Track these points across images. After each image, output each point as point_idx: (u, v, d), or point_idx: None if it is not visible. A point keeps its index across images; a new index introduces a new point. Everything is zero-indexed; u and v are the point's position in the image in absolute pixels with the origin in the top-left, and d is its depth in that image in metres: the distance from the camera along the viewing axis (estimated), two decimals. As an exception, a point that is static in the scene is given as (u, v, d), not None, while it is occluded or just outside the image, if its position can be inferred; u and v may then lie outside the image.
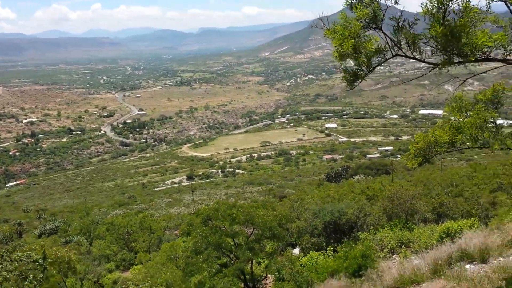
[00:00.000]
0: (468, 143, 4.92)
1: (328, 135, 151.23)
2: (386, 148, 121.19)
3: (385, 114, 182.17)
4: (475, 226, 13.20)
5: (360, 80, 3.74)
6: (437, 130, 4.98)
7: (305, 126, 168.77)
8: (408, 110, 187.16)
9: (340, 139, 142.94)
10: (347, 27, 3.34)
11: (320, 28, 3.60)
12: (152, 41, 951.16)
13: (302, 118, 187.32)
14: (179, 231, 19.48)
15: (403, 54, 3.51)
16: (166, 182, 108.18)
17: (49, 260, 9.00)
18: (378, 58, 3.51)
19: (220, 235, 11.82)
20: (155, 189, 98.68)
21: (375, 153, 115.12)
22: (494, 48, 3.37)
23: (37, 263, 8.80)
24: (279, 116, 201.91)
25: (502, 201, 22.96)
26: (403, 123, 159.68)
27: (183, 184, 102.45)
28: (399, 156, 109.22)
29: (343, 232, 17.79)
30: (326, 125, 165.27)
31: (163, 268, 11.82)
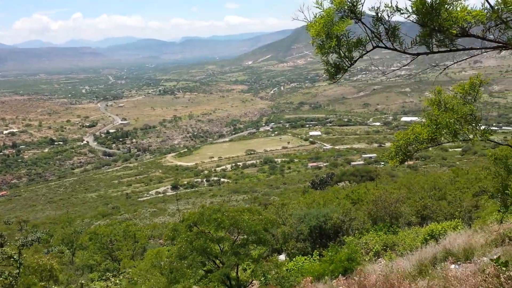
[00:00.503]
0: (448, 138, 4.97)
1: (312, 143, 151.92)
2: (370, 155, 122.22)
3: (368, 122, 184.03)
4: (459, 227, 13.34)
5: (342, 73, 3.75)
6: (416, 127, 5.03)
7: (290, 134, 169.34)
8: (391, 117, 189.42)
9: (324, 147, 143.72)
10: (324, 17, 3.36)
11: (306, 31, 3.60)
12: (134, 51, 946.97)
13: (287, 126, 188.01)
14: (163, 237, 19.26)
15: (384, 46, 3.54)
16: (150, 192, 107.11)
17: (30, 268, 8.80)
18: (359, 50, 3.53)
19: (205, 240, 11.70)
20: (139, 199, 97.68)
21: (359, 160, 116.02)
22: (474, 25, 3.44)
23: (12, 259, 8.58)
24: (264, 124, 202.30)
25: (485, 204, 23.33)
26: (385, 130, 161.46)
27: (167, 193, 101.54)
28: (382, 163, 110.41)
29: (329, 236, 17.84)
30: (310, 133, 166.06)
31: (147, 275, 11.63)
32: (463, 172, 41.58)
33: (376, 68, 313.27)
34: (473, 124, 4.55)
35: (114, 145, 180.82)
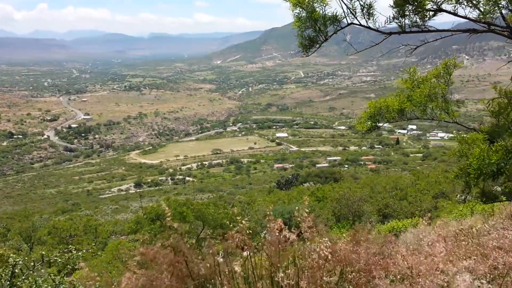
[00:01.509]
0: (417, 113, 5.10)
1: (279, 144, 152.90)
2: (335, 158, 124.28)
3: (334, 125, 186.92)
4: (419, 224, 13.73)
5: (316, 47, 3.75)
6: (388, 98, 5.14)
7: (257, 135, 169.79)
8: (357, 128, 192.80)
9: (290, 149, 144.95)
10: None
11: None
12: (100, 45, 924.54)
13: (254, 126, 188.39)
14: (125, 228, 18.83)
15: (358, 23, 3.56)
16: (112, 189, 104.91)
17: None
18: (334, 26, 3.54)
19: (169, 234, 11.48)
20: (101, 196, 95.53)
21: (324, 163, 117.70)
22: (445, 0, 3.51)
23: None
24: (231, 124, 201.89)
25: (444, 206, 24.17)
26: (350, 134, 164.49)
27: (130, 191, 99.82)
28: (346, 166, 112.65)
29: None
30: (277, 135, 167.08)
31: (108, 267, 11.30)
32: (424, 175, 42.96)
33: (343, 73, 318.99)
34: (443, 103, 4.68)
35: (76, 140, 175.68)
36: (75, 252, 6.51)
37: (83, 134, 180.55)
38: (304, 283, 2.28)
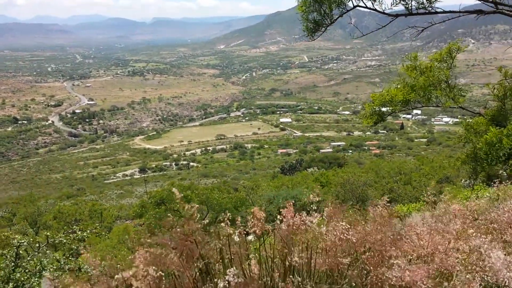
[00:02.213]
0: (421, 102, 5.04)
1: (283, 129, 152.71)
2: (339, 143, 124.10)
3: (338, 110, 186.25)
4: (423, 208, 13.72)
5: (321, 31, 3.69)
6: (392, 89, 5.07)
7: (260, 120, 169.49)
8: (360, 107, 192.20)
9: (294, 134, 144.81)
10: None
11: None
12: (103, 30, 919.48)
13: (258, 112, 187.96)
14: (131, 213, 18.98)
15: (364, 5, 3.49)
16: (117, 175, 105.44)
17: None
18: (340, 9, 3.48)
19: (177, 217, 11.53)
20: (106, 181, 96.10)
21: (328, 148, 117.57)
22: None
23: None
24: (235, 109, 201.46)
25: (448, 191, 24.14)
26: (354, 119, 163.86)
27: (135, 176, 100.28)
28: (350, 151, 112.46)
29: (297, 217, 17.97)
30: (281, 120, 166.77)
31: (113, 251, 11.41)
32: (428, 160, 42.84)
33: (347, 57, 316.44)
34: (447, 89, 4.62)
35: (80, 125, 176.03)
36: (79, 232, 6.56)
37: (87, 120, 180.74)
38: (317, 263, 2.27)
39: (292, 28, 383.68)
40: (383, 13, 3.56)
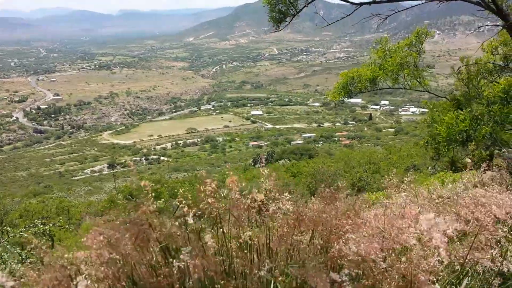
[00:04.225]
0: (389, 82, 5.13)
1: (254, 122, 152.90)
2: (309, 134, 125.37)
3: (308, 102, 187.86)
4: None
5: (287, 22, 3.67)
6: (361, 68, 5.15)
7: (231, 113, 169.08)
8: (329, 98, 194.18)
9: (265, 126, 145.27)
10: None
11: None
12: (68, 23, 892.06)
13: (228, 105, 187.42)
14: (99, 208, 18.61)
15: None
16: (85, 171, 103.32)
17: None
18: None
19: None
20: (74, 178, 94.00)
21: (299, 140, 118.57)
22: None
23: None
24: (205, 102, 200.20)
25: (415, 178, 24.81)
26: (324, 111, 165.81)
27: (104, 172, 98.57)
28: (321, 142, 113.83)
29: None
30: (252, 112, 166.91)
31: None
32: (396, 150, 43.89)
33: (317, 49, 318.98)
34: (415, 72, 4.70)
35: (46, 121, 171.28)
36: (41, 226, 6.35)
37: (53, 115, 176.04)
38: (274, 244, 2.24)
39: (262, 20, 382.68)
40: (348, 1, 3.55)
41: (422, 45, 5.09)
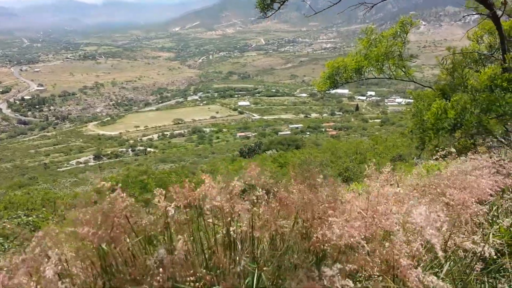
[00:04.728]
0: (374, 72, 5.15)
1: (241, 113, 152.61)
2: (296, 125, 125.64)
3: (295, 93, 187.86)
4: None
5: (275, 9, 3.63)
6: (346, 58, 5.16)
7: (218, 104, 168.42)
8: (316, 89, 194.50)
9: (253, 117, 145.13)
10: None
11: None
12: (52, 12, 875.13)
13: (215, 95, 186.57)
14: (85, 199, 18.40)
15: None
16: (70, 162, 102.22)
17: None
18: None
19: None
20: (59, 169, 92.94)
21: (286, 130, 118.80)
22: None
23: None
24: (192, 93, 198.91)
25: (401, 168, 25.07)
26: (312, 102, 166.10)
27: (90, 163, 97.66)
28: (308, 133, 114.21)
29: (256, 199, 18.09)
30: (239, 103, 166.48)
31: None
32: (382, 140, 44.26)
33: (304, 40, 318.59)
34: (399, 60, 4.72)
35: (30, 112, 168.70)
36: (24, 217, 6.28)
37: (37, 106, 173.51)
38: (257, 232, 2.24)
39: (249, 10, 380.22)
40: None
41: (406, 34, 5.11)
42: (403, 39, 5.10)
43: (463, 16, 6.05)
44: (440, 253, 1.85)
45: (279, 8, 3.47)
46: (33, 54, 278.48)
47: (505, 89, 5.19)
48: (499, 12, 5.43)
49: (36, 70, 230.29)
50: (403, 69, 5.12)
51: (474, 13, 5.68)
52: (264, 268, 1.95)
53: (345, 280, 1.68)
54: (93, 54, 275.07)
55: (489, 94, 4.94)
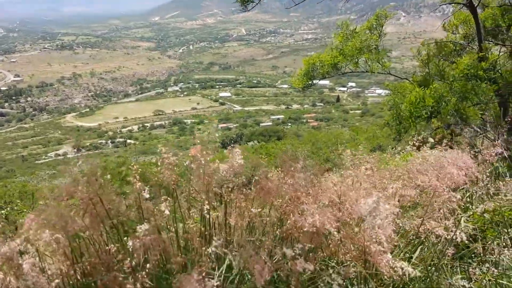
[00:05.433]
0: (350, 67, 5.19)
1: (222, 104, 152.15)
2: (278, 116, 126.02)
3: (277, 84, 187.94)
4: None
5: (254, 4, 3.61)
6: (322, 54, 5.18)
7: (199, 95, 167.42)
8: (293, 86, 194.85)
9: (234, 108, 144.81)
10: None
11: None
12: (29, 2, 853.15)
13: (196, 86, 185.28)
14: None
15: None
16: (49, 154, 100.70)
17: None
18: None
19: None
20: (37, 161, 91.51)
21: (268, 121, 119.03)
22: None
23: None
24: (172, 84, 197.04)
25: (380, 158, 25.39)
26: (293, 93, 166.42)
27: (68, 156, 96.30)
28: (289, 124, 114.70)
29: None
30: (220, 94, 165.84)
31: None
32: (362, 130, 44.76)
33: (285, 30, 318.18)
34: (375, 54, 4.76)
35: (6, 104, 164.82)
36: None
37: (14, 97, 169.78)
38: (232, 219, 2.25)
39: (229, 0, 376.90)
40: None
41: (382, 27, 5.15)
42: (379, 32, 5.14)
43: (440, 5, 6.13)
44: (386, 245, 1.87)
45: (259, 1, 3.45)
46: (10, 44, 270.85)
47: (481, 78, 5.30)
48: (475, 1, 5.52)
49: (12, 60, 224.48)
50: (380, 63, 5.17)
51: (450, 2, 5.76)
52: (234, 253, 1.96)
53: (306, 264, 1.72)
54: (71, 44, 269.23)
55: (465, 83, 5.04)
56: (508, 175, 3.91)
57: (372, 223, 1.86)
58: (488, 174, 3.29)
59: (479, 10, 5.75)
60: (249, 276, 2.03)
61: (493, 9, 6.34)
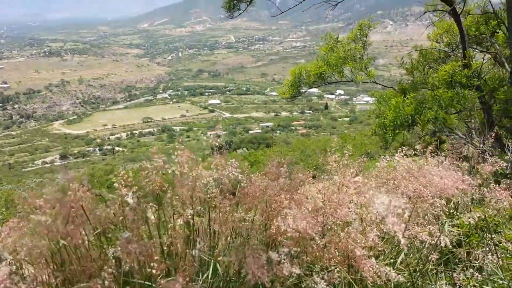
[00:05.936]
0: (336, 76, 5.25)
1: (211, 111, 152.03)
2: (267, 124, 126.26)
3: (266, 91, 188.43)
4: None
5: (242, 10, 3.64)
6: (308, 64, 5.24)
7: (189, 102, 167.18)
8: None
9: (223, 115, 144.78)
10: None
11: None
12: (16, 8, 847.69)
13: (185, 94, 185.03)
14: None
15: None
16: (36, 162, 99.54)
17: None
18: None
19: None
20: (24, 169, 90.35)
21: (257, 129, 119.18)
22: None
23: None
24: (161, 91, 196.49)
25: (369, 165, 25.56)
26: (282, 100, 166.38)
27: (56, 163, 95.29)
28: (278, 131, 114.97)
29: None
30: (210, 101, 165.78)
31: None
32: (351, 138, 45.06)
33: (274, 38, 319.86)
34: (359, 63, 4.83)
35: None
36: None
37: (0, 104, 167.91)
38: (215, 225, 2.24)
39: (218, 6, 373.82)
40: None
41: (366, 37, 5.24)
42: (364, 42, 5.22)
43: (424, 13, 6.23)
44: (403, 241, 1.87)
45: (245, 8, 3.48)
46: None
47: (464, 86, 5.38)
48: (459, 9, 5.62)
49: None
50: (364, 72, 5.25)
51: (434, 9, 5.85)
52: (219, 259, 1.96)
53: (293, 267, 1.72)
54: (58, 50, 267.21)
55: (447, 90, 5.11)
56: (493, 181, 3.95)
57: (391, 221, 1.86)
58: (477, 184, 3.32)
59: (462, 19, 5.85)
60: (233, 281, 2.02)
61: (475, 17, 6.46)
